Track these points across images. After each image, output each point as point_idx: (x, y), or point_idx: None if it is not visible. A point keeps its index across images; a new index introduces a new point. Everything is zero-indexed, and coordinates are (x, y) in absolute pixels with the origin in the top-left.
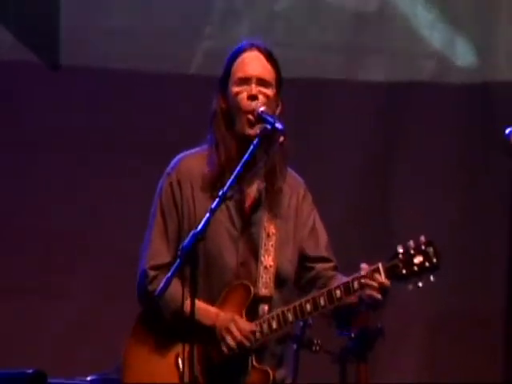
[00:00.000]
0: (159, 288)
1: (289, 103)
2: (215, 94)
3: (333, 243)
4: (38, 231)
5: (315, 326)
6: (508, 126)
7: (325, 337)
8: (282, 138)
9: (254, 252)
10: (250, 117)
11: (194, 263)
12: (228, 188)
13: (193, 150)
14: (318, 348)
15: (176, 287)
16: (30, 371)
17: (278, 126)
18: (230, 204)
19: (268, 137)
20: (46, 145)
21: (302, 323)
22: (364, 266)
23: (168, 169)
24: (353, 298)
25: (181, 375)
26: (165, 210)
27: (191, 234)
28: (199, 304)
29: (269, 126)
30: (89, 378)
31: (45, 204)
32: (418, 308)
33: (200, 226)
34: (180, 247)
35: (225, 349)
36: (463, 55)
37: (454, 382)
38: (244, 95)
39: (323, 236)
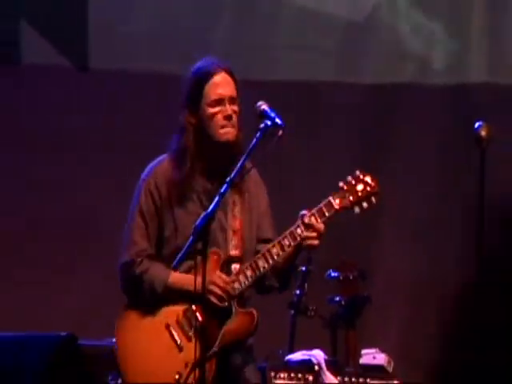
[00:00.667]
0: (175, 261)
1: (289, 104)
2: (182, 108)
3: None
4: (40, 229)
5: (309, 294)
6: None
7: (318, 304)
8: (280, 132)
9: (220, 225)
10: (226, 137)
11: (205, 239)
12: (235, 175)
13: (161, 158)
14: (312, 313)
15: (160, 265)
16: (64, 334)
17: (278, 121)
18: (200, 190)
19: (266, 130)
20: (60, 144)
21: (298, 291)
22: (304, 212)
23: (143, 176)
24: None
25: (176, 340)
26: (144, 211)
27: (203, 215)
28: (179, 275)
29: (269, 123)
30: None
31: (47, 202)
32: (402, 279)
33: (210, 208)
34: (193, 226)
35: (214, 299)
36: (443, 58)
37: (438, 346)
38: (220, 116)
39: (271, 219)
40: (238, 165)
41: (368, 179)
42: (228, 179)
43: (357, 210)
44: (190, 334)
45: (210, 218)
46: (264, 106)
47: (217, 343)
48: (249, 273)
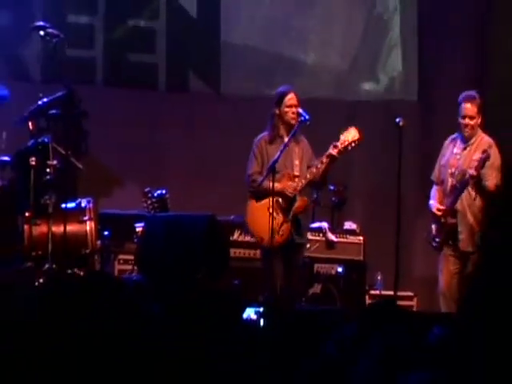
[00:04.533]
0: (259, 180)
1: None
2: (273, 107)
3: None
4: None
5: (321, 197)
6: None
7: (325, 201)
8: (308, 122)
9: (291, 161)
10: (293, 121)
11: (273, 171)
12: (289, 140)
13: (265, 132)
14: (322, 205)
15: (266, 182)
16: (209, 214)
17: (307, 117)
18: (279, 145)
19: (302, 122)
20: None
21: (316, 195)
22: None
23: (255, 140)
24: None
25: (272, 214)
26: (256, 154)
27: (272, 159)
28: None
29: (303, 118)
30: (232, 217)
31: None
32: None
33: (275, 157)
34: (269, 165)
35: (289, 194)
36: (387, 82)
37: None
38: (290, 113)
39: (313, 156)
40: (291, 134)
41: (354, 132)
42: (287, 139)
43: (349, 148)
44: (279, 210)
45: (276, 160)
46: (300, 110)
47: (291, 214)
48: (303, 181)
